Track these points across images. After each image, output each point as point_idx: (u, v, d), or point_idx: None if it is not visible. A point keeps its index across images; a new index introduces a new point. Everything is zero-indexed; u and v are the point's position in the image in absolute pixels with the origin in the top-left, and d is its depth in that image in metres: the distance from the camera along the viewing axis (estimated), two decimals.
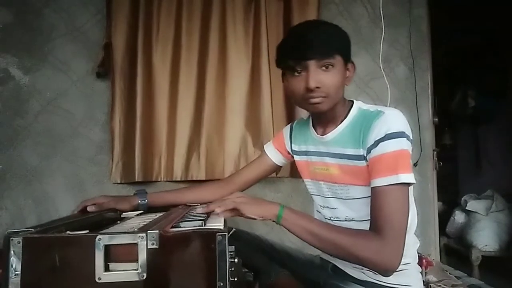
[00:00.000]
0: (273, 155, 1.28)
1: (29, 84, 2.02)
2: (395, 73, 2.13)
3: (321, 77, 0.95)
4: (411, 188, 0.94)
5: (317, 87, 0.95)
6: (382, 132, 0.91)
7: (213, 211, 0.92)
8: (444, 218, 2.85)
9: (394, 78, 2.12)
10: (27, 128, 2.01)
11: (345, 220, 1.06)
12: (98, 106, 2.05)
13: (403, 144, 0.90)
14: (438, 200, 2.22)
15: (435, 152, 2.16)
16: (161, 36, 2.01)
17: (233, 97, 2.02)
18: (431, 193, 2.11)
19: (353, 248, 0.86)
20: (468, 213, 2.82)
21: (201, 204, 1.18)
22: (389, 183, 0.88)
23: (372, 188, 0.91)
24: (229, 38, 2.02)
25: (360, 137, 0.97)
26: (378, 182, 0.90)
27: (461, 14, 2.87)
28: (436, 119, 2.21)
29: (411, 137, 0.94)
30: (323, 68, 0.95)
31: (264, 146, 1.33)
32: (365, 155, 0.96)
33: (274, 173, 1.92)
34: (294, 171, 1.99)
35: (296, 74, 0.98)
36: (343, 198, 1.05)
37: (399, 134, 0.90)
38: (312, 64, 0.95)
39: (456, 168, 3.99)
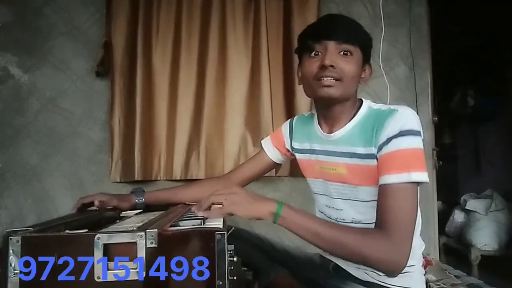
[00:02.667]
0: (271, 152, 1.26)
1: (29, 83, 2.02)
2: (395, 73, 2.13)
3: (338, 60, 0.93)
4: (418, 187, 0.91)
5: (332, 66, 0.92)
6: (396, 129, 0.88)
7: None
8: (443, 217, 2.85)
9: (394, 77, 2.12)
10: (27, 127, 2.01)
11: (352, 222, 1.02)
12: (98, 105, 2.05)
13: (417, 143, 0.88)
14: (438, 199, 2.22)
15: (434, 152, 2.17)
16: (161, 35, 2.01)
17: (233, 97, 2.02)
18: (431, 192, 2.12)
19: (359, 248, 0.82)
20: (467, 212, 2.82)
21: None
22: (400, 181, 0.85)
23: (381, 185, 0.88)
24: (229, 37, 2.02)
25: (373, 136, 0.93)
26: (388, 179, 0.86)
27: (461, 13, 2.87)
28: (436, 119, 2.21)
29: (423, 137, 0.90)
30: (342, 53, 0.94)
31: (262, 142, 1.30)
32: (376, 154, 0.93)
33: (274, 172, 1.93)
34: (294, 170, 1.99)
35: (313, 55, 0.96)
36: (351, 199, 1.01)
37: (414, 132, 0.88)
38: (331, 45, 0.94)
39: (456, 167, 3.98)
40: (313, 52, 0.96)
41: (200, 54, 2.02)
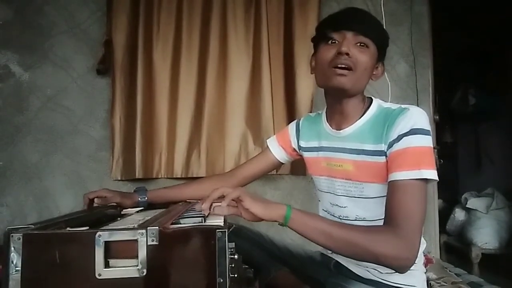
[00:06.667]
0: (277, 151, 1.26)
1: (30, 81, 2.02)
2: (396, 71, 2.12)
3: (354, 49, 0.95)
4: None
5: (347, 54, 0.93)
6: (407, 127, 0.90)
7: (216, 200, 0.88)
8: (444, 215, 2.85)
9: (395, 76, 2.11)
10: (28, 125, 2.01)
11: (356, 220, 1.03)
12: (99, 103, 2.05)
13: (428, 141, 0.89)
14: (438, 197, 2.22)
15: (435, 150, 2.15)
16: (162, 33, 2.01)
17: (233, 94, 2.01)
18: (432, 190, 2.11)
19: (369, 245, 0.81)
20: (468, 210, 2.82)
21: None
22: (411, 178, 0.85)
23: (391, 181, 0.89)
24: (229, 35, 2.02)
25: (383, 133, 0.94)
26: (399, 175, 0.87)
27: (462, 11, 2.86)
28: (437, 117, 2.21)
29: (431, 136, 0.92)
30: (358, 44, 0.96)
31: (267, 141, 1.30)
32: (385, 150, 0.93)
33: (275, 171, 1.92)
34: (294, 169, 1.99)
35: (330, 43, 0.97)
36: (356, 196, 1.02)
37: (424, 131, 0.89)
38: (349, 34, 0.95)
39: (457, 166, 3.99)
40: (331, 41, 0.97)
41: (201, 52, 2.02)
